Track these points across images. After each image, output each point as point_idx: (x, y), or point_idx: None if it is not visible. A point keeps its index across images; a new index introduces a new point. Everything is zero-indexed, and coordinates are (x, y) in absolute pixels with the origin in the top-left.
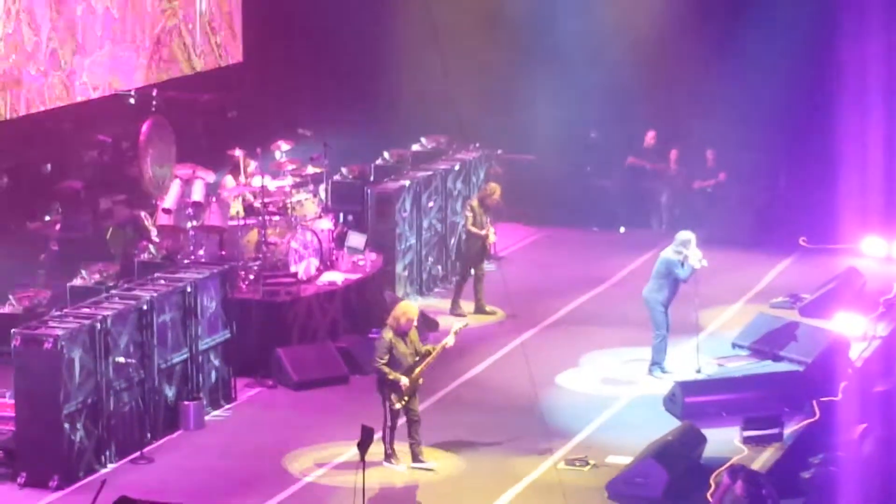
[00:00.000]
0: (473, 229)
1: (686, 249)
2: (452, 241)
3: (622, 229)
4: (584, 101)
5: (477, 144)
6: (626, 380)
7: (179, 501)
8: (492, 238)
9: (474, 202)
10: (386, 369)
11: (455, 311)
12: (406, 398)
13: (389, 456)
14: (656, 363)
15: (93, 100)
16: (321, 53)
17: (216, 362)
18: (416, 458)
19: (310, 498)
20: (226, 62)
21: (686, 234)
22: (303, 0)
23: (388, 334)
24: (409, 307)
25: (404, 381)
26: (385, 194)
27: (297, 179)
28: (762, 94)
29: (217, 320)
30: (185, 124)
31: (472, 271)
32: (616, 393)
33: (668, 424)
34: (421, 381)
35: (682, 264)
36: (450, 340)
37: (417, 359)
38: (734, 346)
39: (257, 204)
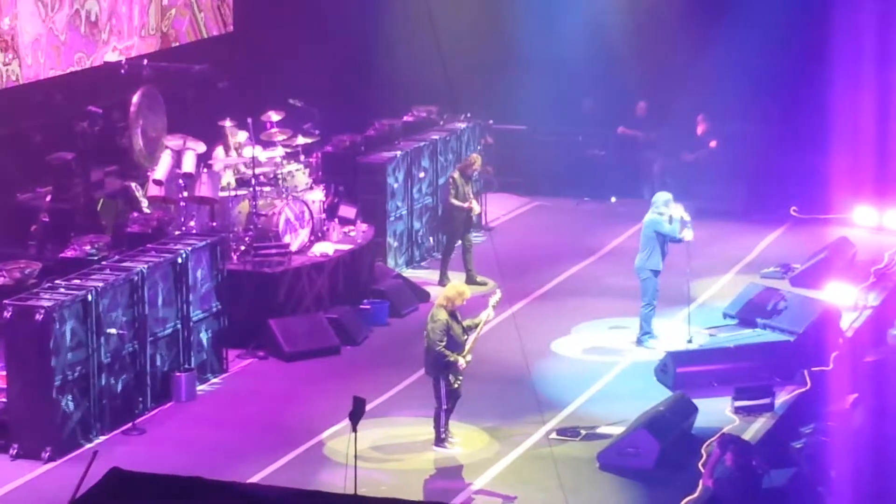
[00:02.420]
0: (456, 202)
1: (667, 208)
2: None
3: (613, 199)
4: (575, 70)
5: (468, 114)
6: (618, 350)
7: (171, 472)
8: (476, 209)
9: (455, 174)
10: (447, 352)
11: (443, 282)
12: (461, 377)
13: (443, 440)
14: (646, 333)
15: (83, 70)
16: (312, 23)
17: (208, 333)
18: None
19: (301, 469)
20: (217, 31)
21: (663, 195)
22: None
23: (443, 315)
24: (463, 286)
25: (462, 361)
26: (376, 165)
27: (288, 150)
28: (754, 62)
29: (209, 292)
30: (176, 95)
31: (460, 242)
32: (607, 363)
33: (659, 395)
34: (470, 357)
35: (670, 220)
36: (489, 314)
37: (465, 337)
38: (725, 316)
39: (248, 173)
